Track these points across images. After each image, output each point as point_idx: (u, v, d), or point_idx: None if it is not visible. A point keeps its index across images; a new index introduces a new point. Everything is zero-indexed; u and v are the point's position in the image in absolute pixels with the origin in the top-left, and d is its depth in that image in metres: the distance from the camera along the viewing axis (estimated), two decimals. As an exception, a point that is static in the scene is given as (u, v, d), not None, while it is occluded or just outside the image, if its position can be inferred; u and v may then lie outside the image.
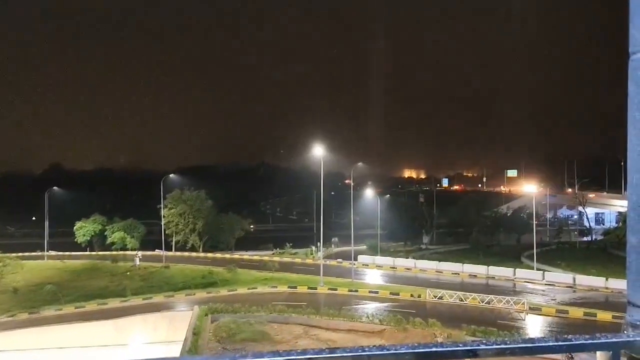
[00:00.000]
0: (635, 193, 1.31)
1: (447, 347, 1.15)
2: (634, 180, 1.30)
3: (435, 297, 40.01)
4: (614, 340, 1.21)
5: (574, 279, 46.67)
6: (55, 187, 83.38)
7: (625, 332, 1.25)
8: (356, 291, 43.48)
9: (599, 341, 1.20)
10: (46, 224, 70.73)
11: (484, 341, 1.17)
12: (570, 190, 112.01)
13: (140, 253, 64.80)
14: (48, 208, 71.45)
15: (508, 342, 1.17)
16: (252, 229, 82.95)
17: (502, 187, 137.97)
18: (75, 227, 77.63)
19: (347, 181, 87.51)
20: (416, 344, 1.14)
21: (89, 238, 76.77)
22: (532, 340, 1.20)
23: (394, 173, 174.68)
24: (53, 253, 69.86)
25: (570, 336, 1.19)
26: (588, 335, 1.20)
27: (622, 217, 79.87)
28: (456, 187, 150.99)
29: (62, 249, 71.64)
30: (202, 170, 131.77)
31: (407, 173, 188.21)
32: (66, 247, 72.73)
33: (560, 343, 1.18)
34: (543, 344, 1.18)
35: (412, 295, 41.22)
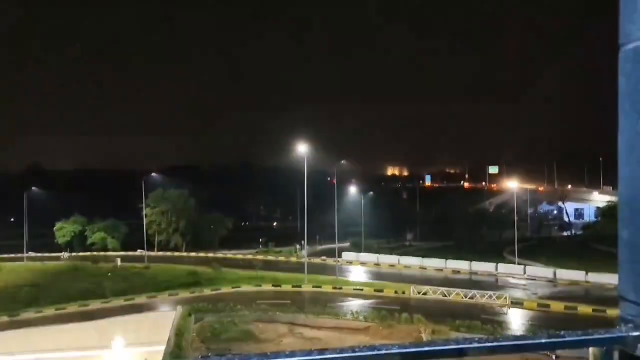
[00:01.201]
0: (627, 186, 1.28)
1: (438, 346, 1.11)
2: (626, 173, 1.28)
3: (419, 293, 40.28)
4: (607, 336, 1.18)
5: (555, 273, 47.39)
6: (34, 188, 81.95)
7: (617, 327, 1.22)
8: (341, 288, 43.56)
9: (592, 337, 1.18)
10: (25, 225, 69.47)
11: (475, 339, 1.14)
12: (550, 186, 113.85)
13: (66, 254, 66.81)
14: (27, 209, 70.18)
15: (500, 340, 1.14)
16: (275, 226, 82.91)
17: (483, 183, 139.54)
18: (55, 228, 76.38)
19: (329, 179, 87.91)
20: (407, 344, 1.10)
21: (69, 239, 75.57)
22: (524, 337, 1.17)
23: (377, 170, 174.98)
24: (32, 254, 68.70)
25: (562, 332, 1.17)
26: (580, 332, 1.18)
27: (600, 211, 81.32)
28: (428, 184, 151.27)
29: (42, 250, 70.42)
30: (184, 169, 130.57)
31: (390, 170, 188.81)
32: (46, 248, 71.49)
33: (552, 340, 1.15)
34: (535, 341, 1.15)
35: (396, 292, 41.44)
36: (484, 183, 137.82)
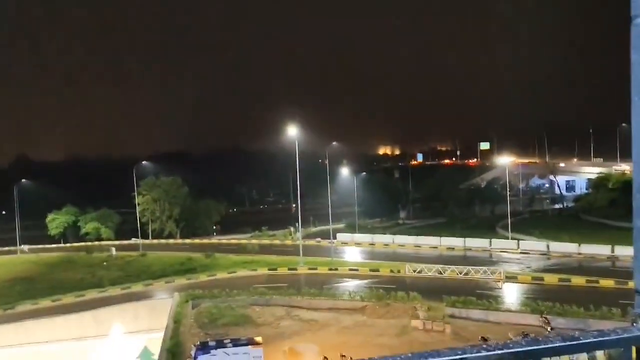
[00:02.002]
0: (642, 171, 1.18)
1: (442, 357, 1.02)
2: None
3: (414, 271, 40.54)
4: (625, 335, 1.10)
5: (548, 246, 47.80)
6: (23, 180, 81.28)
7: (634, 324, 1.13)
8: (336, 269, 43.72)
9: (609, 338, 1.09)
10: (17, 217, 69.00)
11: (483, 346, 1.05)
12: (540, 160, 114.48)
13: (25, 247, 66.31)
14: (18, 201, 69.66)
15: (511, 346, 1.05)
16: (293, 209, 79.96)
17: (475, 159, 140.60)
18: (47, 219, 75.95)
19: (320, 161, 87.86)
20: (409, 355, 1.01)
21: (62, 230, 75.24)
22: (536, 342, 1.07)
23: (368, 150, 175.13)
24: (26, 247, 68.37)
25: (577, 334, 1.08)
26: (596, 332, 1.09)
27: (591, 183, 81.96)
28: (417, 162, 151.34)
29: (35, 242, 70.06)
30: (175, 156, 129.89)
31: (382, 150, 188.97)
32: (39, 240, 71.16)
33: (567, 343, 1.06)
34: (549, 346, 1.06)
35: (392, 271, 41.66)
36: (476, 159, 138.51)
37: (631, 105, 1.18)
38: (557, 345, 1.06)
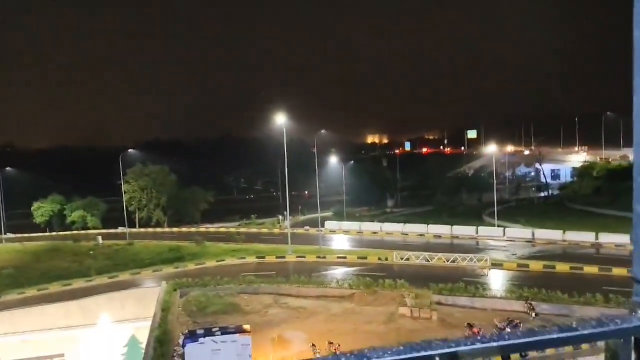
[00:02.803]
0: (642, 155, 1.12)
1: (435, 350, 0.97)
2: None
3: (402, 259, 40.79)
4: (625, 326, 1.05)
5: (533, 234, 48.32)
6: (8, 168, 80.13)
7: (634, 314, 1.09)
8: (324, 257, 43.83)
9: (608, 329, 1.04)
10: (2, 206, 68.04)
11: (478, 338, 1.00)
12: (526, 149, 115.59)
13: None
14: (2, 189, 68.69)
15: (507, 338, 1.00)
16: (307, 197, 75.68)
17: (449, 148, 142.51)
18: (32, 208, 75.01)
19: (309, 143, 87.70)
20: (401, 348, 0.95)
21: (47, 218, 74.40)
22: (533, 333, 1.03)
23: (357, 139, 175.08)
24: (11, 235, 67.50)
25: (575, 325, 1.03)
26: (595, 322, 1.04)
27: (576, 172, 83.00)
28: (400, 150, 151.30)
29: (20, 230, 69.19)
30: (163, 144, 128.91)
31: (370, 138, 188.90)
32: (24, 228, 70.25)
33: (565, 334, 1.01)
34: (546, 337, 1.02)
35: (379, 259, 41.86)
36: (461, 148, 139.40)
37: (633, 84, 1.12)
38: (554, 336, 1.02)
